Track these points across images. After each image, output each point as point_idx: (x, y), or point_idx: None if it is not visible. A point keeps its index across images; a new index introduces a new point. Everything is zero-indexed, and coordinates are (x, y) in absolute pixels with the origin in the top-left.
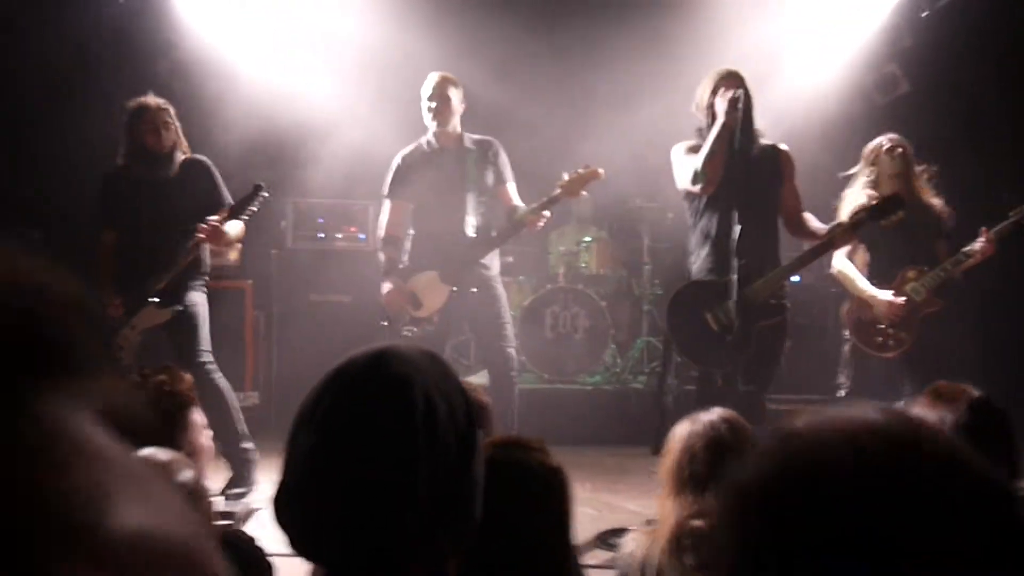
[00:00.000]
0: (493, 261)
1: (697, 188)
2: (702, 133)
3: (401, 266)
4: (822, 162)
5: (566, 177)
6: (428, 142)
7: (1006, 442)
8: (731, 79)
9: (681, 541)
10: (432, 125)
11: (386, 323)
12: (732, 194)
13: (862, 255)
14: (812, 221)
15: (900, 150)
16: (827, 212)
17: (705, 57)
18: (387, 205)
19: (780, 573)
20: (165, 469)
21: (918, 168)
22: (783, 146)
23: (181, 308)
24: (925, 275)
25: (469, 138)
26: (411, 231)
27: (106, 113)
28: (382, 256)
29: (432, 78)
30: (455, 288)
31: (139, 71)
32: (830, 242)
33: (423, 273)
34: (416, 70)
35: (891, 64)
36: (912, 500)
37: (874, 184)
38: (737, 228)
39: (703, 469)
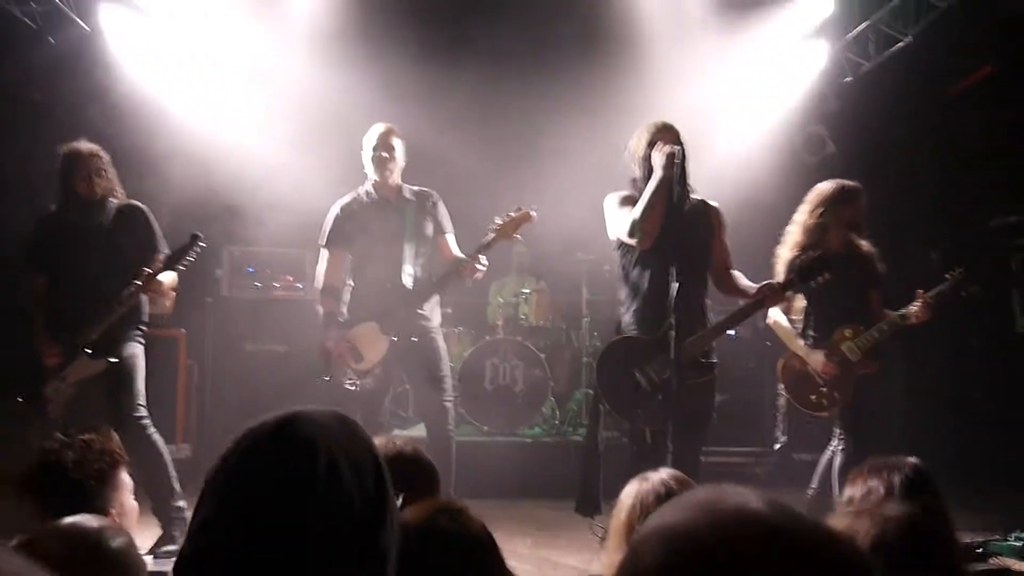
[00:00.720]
0: (434, 313)
1: (634, 241)
2: (636, 184)
3: (340, 319)
4: (752, 219)
5: (499, 221)
6: (367, 192)
7: (941, 505)
8: (667, 132)
9: None
10: (374, 175)
11: (328, 378)
12: (668, 249)
13: (799, 302)
14: (741, 279)
15: (834, 196)
16: (758, 270)
17: (641, 114)
18: (324, 255)
19: None
20: (95, 535)
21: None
22: (713, 202)
23: (116, 360)
24: (861, 335)
25: (408, 189)
26: (350, 282)
27: (39, 157)
28: (320, 309)
29: (377, 128)
30: (395, 338)
31: (72, 115)
32: (760, 302)
33: (362, 324)
34: (354, 120)
35: (818, 126)
36: None
37: (804, 239)
38: (675, 285)
39: None
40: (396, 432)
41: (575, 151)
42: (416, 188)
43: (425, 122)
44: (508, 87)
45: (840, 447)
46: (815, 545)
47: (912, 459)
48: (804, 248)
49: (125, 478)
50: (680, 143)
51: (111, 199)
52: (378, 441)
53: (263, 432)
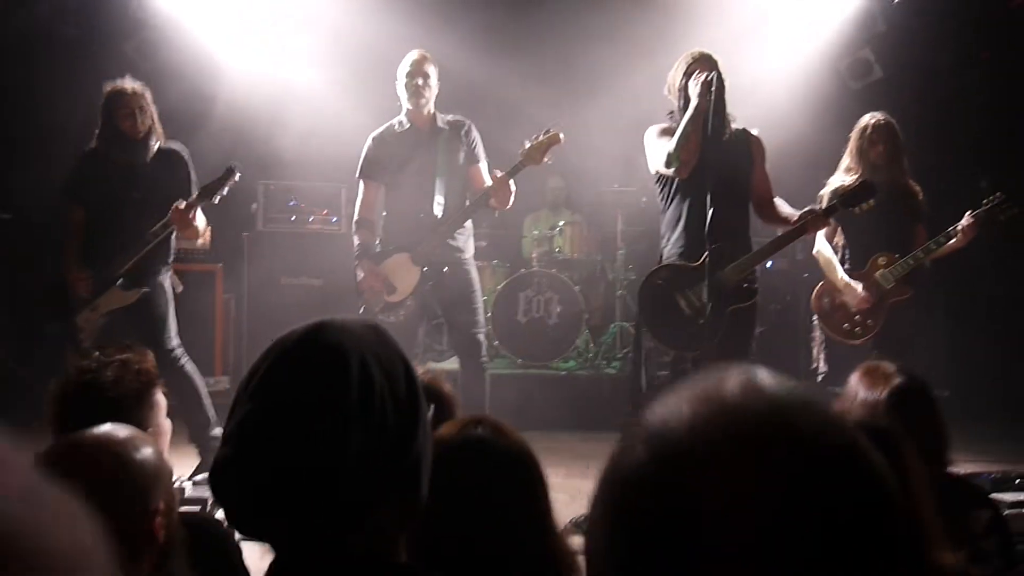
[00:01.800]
0: (467, 244)
1: (671, 171)
2: (674, 116)
3: (374, 250)
4: (795, 148)
5: (527, 144)
6: (400, 122)
7: (932, 416)
8: (704, 62)
9: None
10: (407, 104)
11: (363, 310)
12: (705, 178)
13: (839, 237)
14: (783, 207)
15: (886, 130)
16: (800, 197)
17: (680, 41)
18: (361, 187)
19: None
20: (124, 444)
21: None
22: (755, 131)
23: (148, 291)
24: (896, 263)
25: (442, 118)
26: (384, 212)
27: (74, 93)
28: (356, 239)
29: (412, 55)
30: (426, 268)
31: (107, 50)
32: (802, 228)
33: (394, 255)
34: (390, 51)
35: (864, 49)
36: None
37: (855, 166)
38: (711, 212)
39: None
40: (431, 365)
41: (612, 80)
42: (450, 117)
43: (459, 50)
44: (544, 14)
45: None
46: (807, 435)
47: (900, 377)
48: (851, 173)
49: (160, 398)
50: (717, 71)
51: (153, 138)
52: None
53: (293, 339)
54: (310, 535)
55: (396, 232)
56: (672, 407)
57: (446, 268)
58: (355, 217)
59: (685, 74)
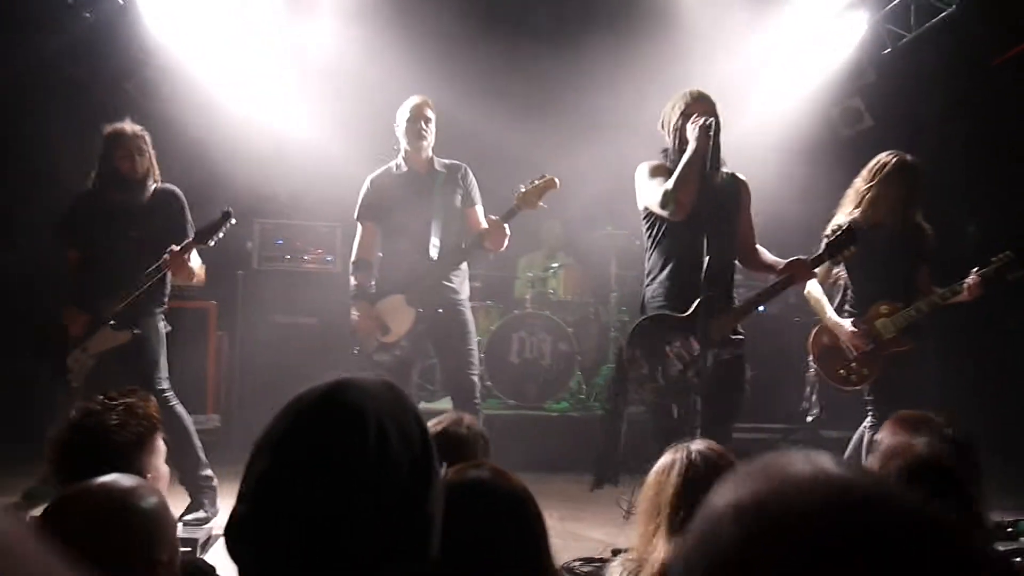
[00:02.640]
0: (462, 285)
1: (666, 212)
2: (667, 154)
3: (370, 291)
4: (784, 193)
5: (523, 188)
6: (398, 165)
7: (972, 468)
8: (702, 103)
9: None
10: (408, 147)
11: (357, 351)
12: (699, 222)
13: (841, 273)
14: (765, 254)
15: (911, 171)
16: (788, 246)
17: (674, 86)
18: (359, 228)
19: None
20: (129, 495)
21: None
22: (742, 176)
23: (139, 332)
24: (897, 313)
25: (439, 162)
26: (380, 254)
27: (75, 130)
28: (352, 280)
29: (413, 100)
30: (421, 309)
31: (108, 89)
32: (789, 279)
33: (389, 296)
34: (387, 94)
35: (855, 98)
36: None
37: (866, 204)
38: (707, 259)
39: (695, 500)
40: (422, 405)
41: (606, 124)
42: (447, 161)
43: (454, 94)
44: (539, 59)
45: (869, 424)
46: (895, 505)
47: (944, 419)
48: (852, 216)
49: (161, 443)
50: (715, 114)
51: (150, 180)
52: (446, 419)
53: (313, 398)
54: None
55: (392, 273)
56: (754, 484)
57: (441, 309)
58: (352, 258)
59: (683, 114)
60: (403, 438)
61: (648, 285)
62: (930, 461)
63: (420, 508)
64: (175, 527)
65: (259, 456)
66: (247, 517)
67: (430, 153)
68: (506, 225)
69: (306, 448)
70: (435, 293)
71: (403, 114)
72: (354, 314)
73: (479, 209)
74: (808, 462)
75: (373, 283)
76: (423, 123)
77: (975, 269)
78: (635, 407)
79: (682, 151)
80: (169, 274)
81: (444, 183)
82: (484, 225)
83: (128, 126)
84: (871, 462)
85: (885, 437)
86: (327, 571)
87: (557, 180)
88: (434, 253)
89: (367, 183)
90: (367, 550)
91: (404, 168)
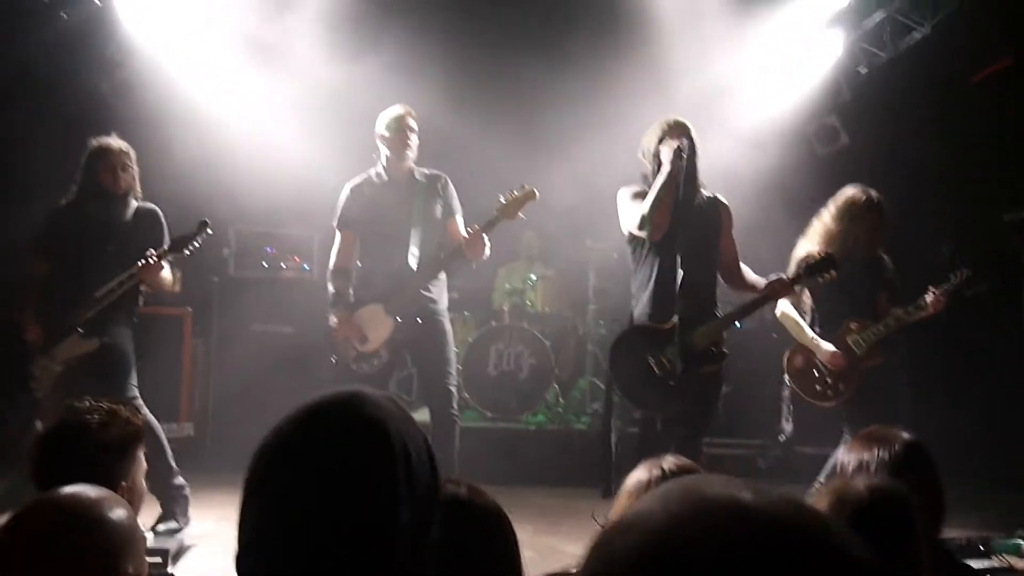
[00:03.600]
0: (441, 295)
1: (643, 234)
2: (647, 179)
3: (348, 300)
4: (763, 211)
5: (503, 199)
6: (378, 174)
7: (933, 482)
8: (677, 129)
9: None
10: (391, 156)
11: (335, 359)
12: (676, 242)
13: (807, 299)
14: (749, 274)
15: (878, 209)
16: (768, 261)
17: (653, 102)
18: (337, 236)
19: None
20: (95, 506)
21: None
22: (723, 199)
23: (108, 340)
24: (867, 329)
25: (419, 171)
26: (359, 263)
27: (50, 132)
28: (331, 288)
29: (395, 110)
30: (399, 319)
31: (83, 90)
32: (768, 296)
33: (368, 305)
34: (366, 102)
35: (831, 116)
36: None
37: (834, 236)
38: (680, 274)
39: None
40: None
41: (585, 137)
42: (427, 171)
43: (433, 104)
44: (518, 70)
45: (846, 439)
46: (791, 531)
47: (906, 435)
48: (821, 246)
49: (141, 456)
50: (690, 138)
51: (131, 197)
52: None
53: (329, 410)
54: None
55: (370, 282)
56: (652, 503)
57: (419, 319)
58: (331, 266)
59: (659, 140)
60: (418, 456)
61: (635, 305)
62: (856, 506)
63: (432, 530)
64: (144, 541)
65: (265, 474)
66: (267, 531)
67: (412, 163)
68: (485, 235)
69: (331, 460)
70: (414, 303)
71: (385, 123)
72: (332, 321)
73: (459, 219)
74: (716, 487)
75: (351, 291)
76: (407, 132)
77: (931, 288)
78: (623, 417)
79: (660, 175)
80: (141, 285)
81: (424, 193)
82: (464, 235)
83: (115, 141)
84: (834, 483)
85: (847, 459)
86: None
87: (537, 191)
88: (413, 263)
89: (346, 191)
90: (404, 560)
91: (385, 177)
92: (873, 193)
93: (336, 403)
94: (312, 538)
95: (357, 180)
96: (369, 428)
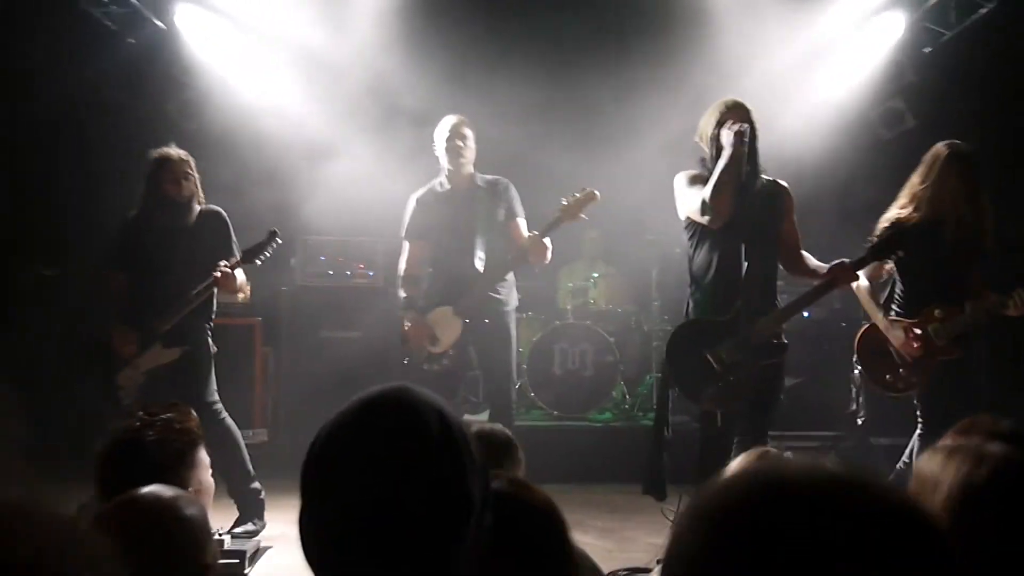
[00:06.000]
0: (510, 296)
1: (706, 220)
2: (705, 164)
3: (420, 303)
4: (826, 197)
5: (564, 202)
6: (441, 183)
7: None
8: (737, 111)
9: None
10: (448, 166)
11: (407, 361)
12: (739, 229)
13: (890, 268)
14: (810, 259)
15: (964, 162)
16: (829, 249)
17: (711, 90)
18: (405, 246)
19: None
20: (171, 505)
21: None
22: (784, 183)
23: (189, 348)
24: (952, 318)
25: (481, 178)
26: (429, 270)
27: (119, 152)
28: (402, 293)
29: (450, 120)
30: (468, 320)
31: (149, 111)
32: (831, 282)
33: (438, 308)
34: (424, 111)
35: (896, 99)
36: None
37: (919, 201)
38: (746, 265)
39: None
40: (466, 417)
41: (643, 131)
42: (489, 177)
43: (491, 108)
44: (574, 69)
45: (919, 432)
46: (861, 505)
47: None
48: (905, 211)
49: (203, 456)
50: (750, 121)
51: (195, 203)
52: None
53: (379, 401)
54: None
55: (439, 287)
56: (724, 489)
57: (487, 319)
58: (400, 273)
59: (718, 123)
60: (469, 442)
61: (692, 295)
62: (994, 468)
63: (485, 516)
64: (211, 535)
65: (325, 452)
66: (325, 512)
67: (471, 170)
68: (547, 239)
69: (384, 448)
70: (482, 304)
71: (441, 134)
72: (406, 324)
73: (521, 222)
74: (780, 466)
75: (421, 298)
76: (461, 141)
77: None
78: (681, 416)
79: (718, 159)
80: (216, 291)
81: (486, 199)
82: (527, 237)
83: (174, 151)
84: (927, 460)
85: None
86: (412, 556)
87: (598, 193)
88: (480, 266)
89: (412, 202)
90: (429, 542)
91: (447, 186)
92: (959, 143)
93: (386, 394)
94: (371, 524)
95: (421, 191)
96: (421, 414)
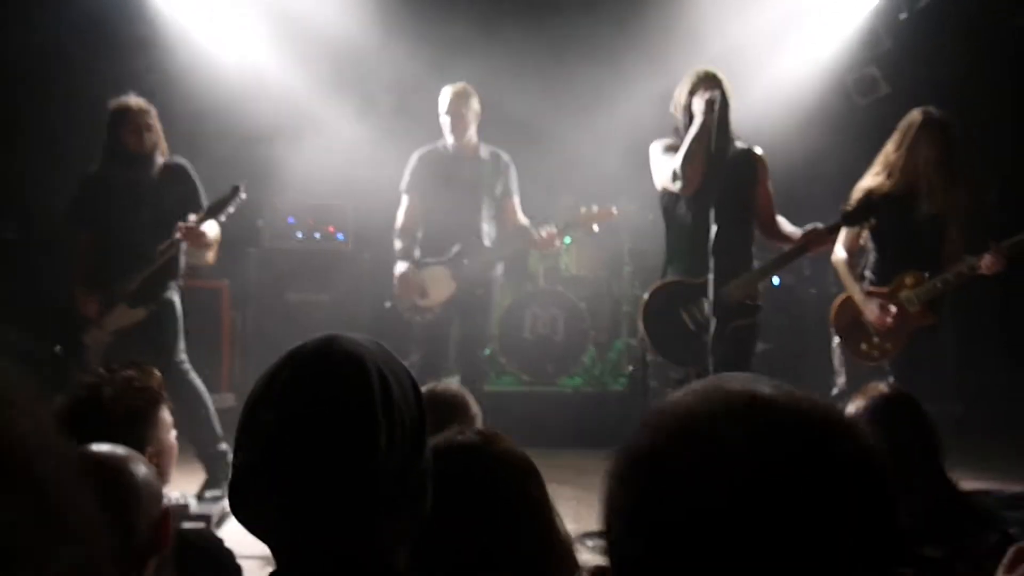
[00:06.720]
0: (499, 268)
1: (677, 187)
2: (679, 132)
3: (415, 254)
4: (800, 163)
5: (583, 210)
6: (444, 146)
7: (919, 423)
8: (709, 81)
9: None
10: (449, 135)
11: (389, 304)
12: (709, 195)
13: (866, 240)
14: (785, 225)
15: (937, 130)
16: (802, 213)
17: (686, 56)
18: (404, 199)
19: (648, 541)
20: (120, 464)
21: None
22: (758, 150)
23: (155, 308)
24: (923, 284)
25: (485, 148)
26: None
27: (82, 108)
28: (397, 244)
29: (446, 92)
30: (461, 285)
31: (115, 66)
32: (804, 246)
33: (435, 266)
34: (402, 73)
35: (871, 66)
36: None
37: (893, 168)
38: (714, 228)
39: None
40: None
41: (617, 97)
42: (492, 149)
43: (469, 70)
44: (545, 33)
45: None
46: (802, 422)
47: (887, 387)
48: (879, 179)
49: (165, 416)
50: (722, 90)
51: (157, 155)
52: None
53: (309, 350)
54: (328, 542)
55: (439, 247)
56: (679, 400)
57: (480, 290)
58: (397, 226)
59: (690, 92)
60: (401, 392)
61: (668, 260)
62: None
63: (418, 463)
64: (159, 500)
65: (258, 408)
66: (253, 469)
67: (475, 139)
68: (558, 240)
69: (312, 395)
70: (480, 275)
71: (443, 103)
72: (398, 269)
73: (516, 200)
74: (741, 382)
75: (418, 252)
76: (456, 117)
77: (994, 242)
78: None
79: (691, 128)
80: (184, 247)
81: (488, 170)
82: (520, 217)
83: (133, 100)
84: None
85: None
86: (339, 520)
87: (615, 211)
88: (486, 240)
89: (414, 158)
90: (374, 503)
91: (450, 149)
92: (934, 110)
93: (312, 346)
94: (295, 474)
95: (425, 149)
96: (340, 363)
